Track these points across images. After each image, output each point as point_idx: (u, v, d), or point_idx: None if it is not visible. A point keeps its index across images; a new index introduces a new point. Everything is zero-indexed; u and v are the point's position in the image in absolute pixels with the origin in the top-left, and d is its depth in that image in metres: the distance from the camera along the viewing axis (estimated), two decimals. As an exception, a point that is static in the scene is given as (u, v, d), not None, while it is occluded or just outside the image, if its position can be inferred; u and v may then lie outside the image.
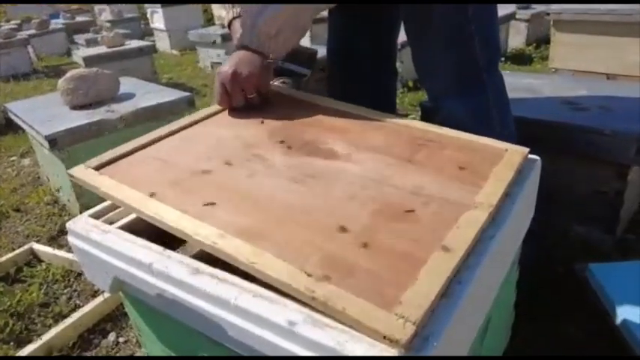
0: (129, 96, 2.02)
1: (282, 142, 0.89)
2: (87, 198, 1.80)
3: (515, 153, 0.79)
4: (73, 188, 1.81)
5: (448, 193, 0.70)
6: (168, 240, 0.93)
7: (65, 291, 1.48)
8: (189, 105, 2.02)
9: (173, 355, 0.90)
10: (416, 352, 0.49)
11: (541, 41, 4.16)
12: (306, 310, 0.56)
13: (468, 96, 1.13)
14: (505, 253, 0.76)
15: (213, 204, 0.73)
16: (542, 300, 1.27)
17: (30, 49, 5.55)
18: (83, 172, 0.89)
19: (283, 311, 0.57)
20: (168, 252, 0.72)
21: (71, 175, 0.90)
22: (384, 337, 0.48)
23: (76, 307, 1.39)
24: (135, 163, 0.91)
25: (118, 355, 1.22)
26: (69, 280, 1.52)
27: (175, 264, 0.69)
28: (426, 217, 0.65)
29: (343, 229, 0.65)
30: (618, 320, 1.09)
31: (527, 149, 0.81)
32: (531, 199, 0.87)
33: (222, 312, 0.62)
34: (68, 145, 1.75)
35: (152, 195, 0.77)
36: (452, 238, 0.61)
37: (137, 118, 1.85)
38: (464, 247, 0.59)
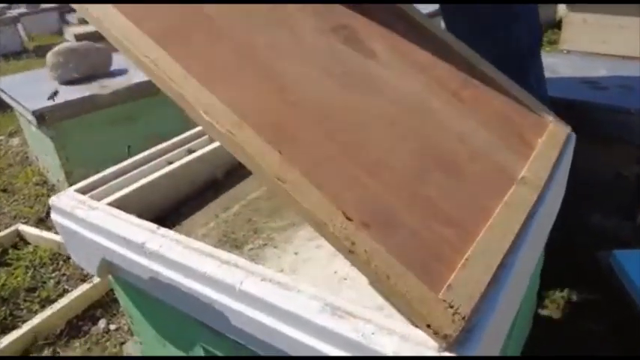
0: (122, 71, 1.92)
1: (314, 13, 0.70)
2: (77, 177, 1.71)
3: (559, 129, 0.72)
4: (62, 167, 1.72)
5: (495, 154, 0.61)
6: (164, 218, 0.85)
7: (53, 275, 1.39)
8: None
9: (167, 342, 0.82)
10: (458, 348, 0.41)
11: (547, 27, 4.06)
12: (323, 296, 0.48)
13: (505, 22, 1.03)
14: (542, 236, 0.69)
15: (225, 69, 0.55)
16: (564, 287, 1.21)
17: (20, 27, 5.39)
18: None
19: (297, 298, 0.49)
20: (163, 230, 0.63)
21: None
22: (428, 326, 0.40)
23: (65, 292, 1.31)
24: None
25: (108, 342, 1.14)
26: (57, 264, 1.44)
27: (171, 243, 0.60)
28: (473, 178, 0.57)
29: (384, 164, 0.52)
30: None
31: (569, 128, 0.74)
32: (565, 180, 0.80)
33: (225, 298, 0.53)
34: (57, 122, 1.65)
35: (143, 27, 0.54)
36: (502, 215, 0.52)
37: (131, 93, 1.76)
38: (514, 229, 0.51)
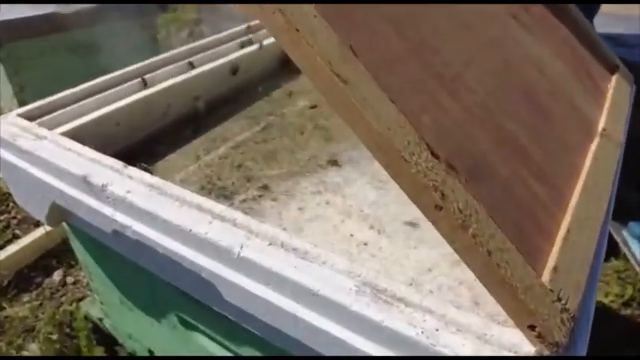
0: (87, -9, 1.67)
1: None
2: (32, 108, 1.51)
3: (626, 77, 0.60)
4: (15, 96, 1.50)
5: (573, 95, 0.49)
6: (132, 157, 0.69)
7: (1, 217, 1.22)
8: (161, 9, 1.70)
9: (134, 307, 0.68)
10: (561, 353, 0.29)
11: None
12: (360, 271, 0.34)
13: None
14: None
15: None
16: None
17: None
18: None
19: (322, 271, 0.35)
20: (132, 170, 0.48)
21: None
22: (532, 328, 0.27)
23: (14, 238, 1.14)
24: None
25: (64, 297, 0.99)
26: (7, 205, 1.26)
27: (143, 188, 0.45)
28: (557, 119, 0.44)
29: (462, 81, 0.39)
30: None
31: (632, 76, 0.62)
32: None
33: (218, 266, 0.39)
34: (8, 42, 1.42)
35: None
36: (594, 175, 0.40)
37: (97, 16, 1.53)
38: (607, 193, 0.39)
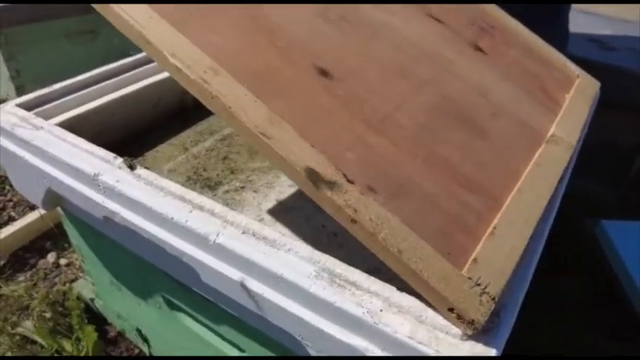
0: (84, -22, 1.69)
1: None
2: (30, 92, 1.53)
3: (588, 84, 0.64)
4: (11, 80, 1.53)
5: (520, 111, 0.53)
6: (123, 147, 0.73)
7: (-2, 200, 1.26)
8: None
9: (123, 287, 0.73)
10: (485, 336, 0.34)
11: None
12: (320, 258, 0.39)
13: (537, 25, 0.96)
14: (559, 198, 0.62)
15: (202, 11, 0.46)
16: (544, 251, 1.17)
17: None
18: None
19: (287, 258, 0.40)
20: (121, 160, 0.52)
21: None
22: (451, 310, 0.32)
23: (10, 220, 1.18)
24: None
25: (57, 278, 1.04)
26: (3, 188, 1.30)
27: (131, 178, 0.49)
28: (497, 136, 0.48)
29: (392, 120, 0.45)
30: (626, 279, 1.00)
31: (598, 83, 0.65)
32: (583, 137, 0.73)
33: (196, 251, 0.44)
34: (6, 27, 1.44)
35: None
36: (532, 178, 0.44)
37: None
38: (547, 194, 0.43)
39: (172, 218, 0.44)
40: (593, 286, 1.10)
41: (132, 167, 0.50)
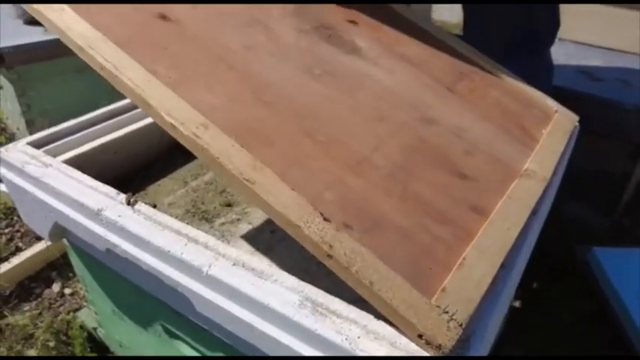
0: (94, 17, 1.77)
1: (295, 13, 0.66)
2: (38, 126, 1.59)
3: (566, 119, 0.67)
4: (22, 115, 1.59)
5: (496, 148, 0.56)
6: (127, 180, 0.77)
7: (6, 231, 1.29)
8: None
9: (125, 316, 0.75)
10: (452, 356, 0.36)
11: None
12: (302, 288, 0.42)
13: (519, 62, 0.99)
14: (539, 229, 0.64)
15: (195, 72, 0.51)
16: (539, 278, 1.19)
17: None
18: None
19: (273, 288, 0.43)
20: (124, 197, 0.56)
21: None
22: (420, 336, 0.35)
23: (17, 251, 1.21)
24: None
25: (62, 307, 1.06)
26: (11, 219, 1.34)
27: (132, 213, 0.53)
28: (471, 173, 0.52)
29: (369, 162, 0.49)
30: (618, 306, 1.01)
31: (577, 117, 0.69)
32: (563, 170, 0.76)
33: (190, 281, 0.47)
34: (19, 65, 1.51)
35: (107, 34, 0.51)
36: (504, 210, 0.47)
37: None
38: (518, 225, 0.46)
39: (169, 251, 0.48)
40: (585, 312, 1.11)
41: (133, 203, 0.53)
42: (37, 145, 0.71)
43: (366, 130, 0.52)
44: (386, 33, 0.71)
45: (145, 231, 0.50)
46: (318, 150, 0.47)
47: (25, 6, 0.56)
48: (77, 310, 1.03)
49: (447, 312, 0.36)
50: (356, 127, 0.52)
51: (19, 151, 0.69)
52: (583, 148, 1.34)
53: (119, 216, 0.53)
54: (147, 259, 0.51)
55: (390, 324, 0.38)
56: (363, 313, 0.39)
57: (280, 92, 0.52)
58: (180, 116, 0.44)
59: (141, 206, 0.53)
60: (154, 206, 0.55)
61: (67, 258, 1.16)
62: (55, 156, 0.69)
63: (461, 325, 0.36)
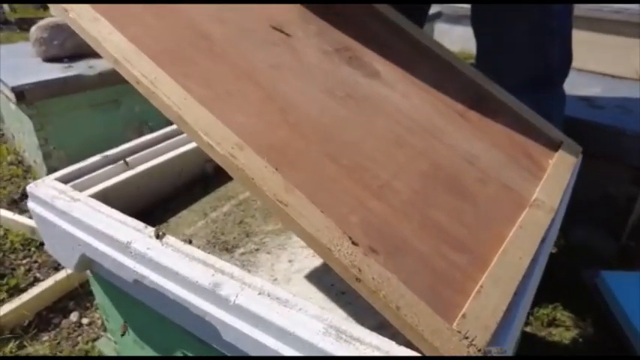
0: (109, 53, 1.83)
1: (317, 34, 0.69)
2: (55, 159, 1.64)
3: (571, 150, 0.70)
4: (40, 148, 1.64)
5: (506, 177, 0.59)
6: (149, 213, 0.80)
7: (24, 261, 1.32)
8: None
9: (146, 346, 0.77)
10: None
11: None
12: (327, 316, 0.44)
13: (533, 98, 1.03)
14: (547, 256, 0.67)
15: (226, 91, 0.53)
16: (548, 303, 1.20)
17: (3, -2, 5.18)
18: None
19: (298, 317, 0.45)
20: (151, 229, 0.59)
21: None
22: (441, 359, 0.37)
23: (35, 281, 1.24)
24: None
25: (80, 337, 1.08)
26: (29, 250, 1.37)
27: (160, 246, 0.56)
28: (484, 200, 0.54)
29: (390, 186, 0.51)
30: (629, 330, 1.02)
31: (580, 148, 0.72)
32: (568, 198, 0.78)
33: (218, 311, 0.49)
34: (38, 100, 1.57)
35: (140, 46, 0.52)
36: (516, 240, 0.50)
37: (119, 76, 1.66)
38: (529, 255, 0.49)
39: (197, 281, 0.50)
40: (595, 337, 1.12)
41: (161, 237, 0.56)
42: (65, 180, 0.74)
43: (386, 154, 0.55)
44: (401, 57, 0.74)
45: (173, 262, 0.53)
46: (341, 173, 0.49)
47: (56, 11, 0.56)
48: (95, 339, 1.05)
49: (467, 337, 0.38)
50: (376, 152, 0.55)
51: (48, 186, 0.72)
52: (587, 173, 1.37)
53: (148, 248, 0.56)
54: (174, 290, 0.53)
55: (410, 350, 0.40)
56: (385, 340, 0.42)
57: (304, 114, 0.55)
58: (217, 136, 0.47)
59: (169, 238, 0.56)
60: (190, 242, 0.57)
61: (85, 288, 1.19)
62: (81, 190, 0.72)
63: (480, 351, 0.38)
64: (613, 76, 2.59)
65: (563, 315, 1.20)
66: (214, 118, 0.48)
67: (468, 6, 1.15)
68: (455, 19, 3.02)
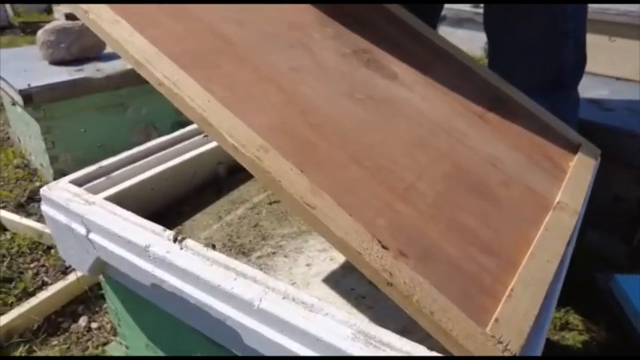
0: (114, 55, 1.83)
1: (334, 36, 0.69)
2: (62, 162, 1.63)
3: (590, 152, 0.70)
4: (47, 152, 1.64)
5: (529, 179, 0.59)
6: (163, 216, 0.80)
7: (31, 265, 1.31)
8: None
9: (159, 351, 0.76)
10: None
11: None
12: (355, 321, 0.44)
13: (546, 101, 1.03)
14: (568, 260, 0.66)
15: (248, 93, 0.52)
16: (560, 307, 1.19)
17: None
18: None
19: (325, 322, 0.44)
20: (170, 233, 0.58)
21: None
22: (475, 366, 0.36)
23: (43, 285, 1.23)
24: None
25: (90, 342, 1.07)
26: (37, 254, 1.36)
27: (179, 249, 0.55)
28: (508, 203, 0.54)
29: (415, 189, 0.50)
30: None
31: (599, 150, 0.71)
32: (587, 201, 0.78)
33: (240, 315, 0.49)
34: (45, 103, 1.56)
35: (161, 48, 0.52)
36: (542, 242, 0.49)
37: (126, 79, 1.68)
38: (557, 258, 0.48)
39: (219, 285, 0.50)
40: (609, 340, 1.11)
41: (180, 240, 0.55)
42: (79, 183, 0.73)
43: (409, 156, 0.54)
44: (418, 60, 0.74)
45: (194, 266, 0.52)
46: (366, 176, 0.49)
47: (77, 13, 0.55)
48: (105, 344, 1.04)
49: (501, 342, 0.38)
50: (399, 154, 0.54)
51: (62, 189, 0.72)
52: (597, 176, 1.36)
53: (167, 252, 0.55)
54: (195, 294, 0.52)
55: (441, 355, 0.40)
56: (416, 345, 0.41)
57: (326, 116, 0.54)
58: (241, 138, 0.46)
59: (188, 242, 0.56)
60: (214, 247, 0.56)
61: (94, 292, 1.18)
62: (95, 193, 0.71)
63: (514, 355, 0.37)
64: (618, 79, 2.59)
65: (575, 319, 1.19)
66: (238, 120, 0.47)
67: (470, 9, 1.15)
68: (457, 22, 3.02)
